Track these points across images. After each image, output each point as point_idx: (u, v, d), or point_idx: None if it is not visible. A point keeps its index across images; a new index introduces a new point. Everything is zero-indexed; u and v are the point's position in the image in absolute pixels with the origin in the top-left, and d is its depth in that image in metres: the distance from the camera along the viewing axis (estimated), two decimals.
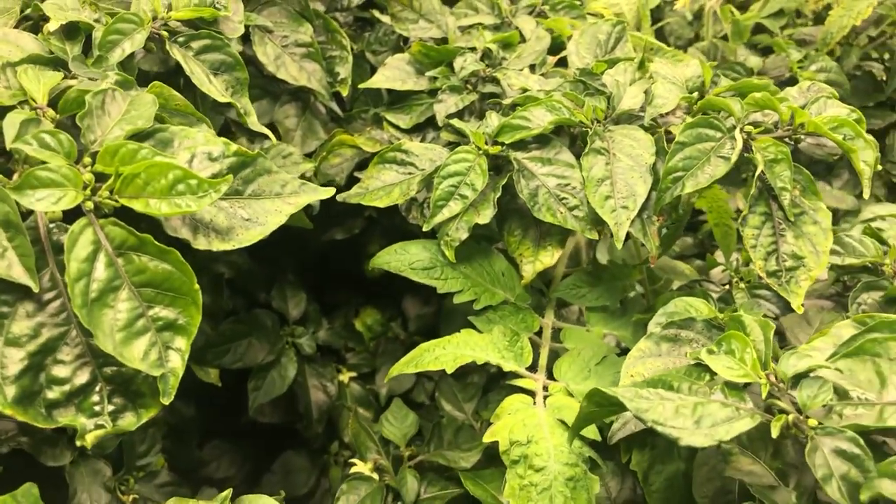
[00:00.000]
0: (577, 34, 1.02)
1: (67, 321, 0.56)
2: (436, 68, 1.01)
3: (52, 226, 0.57)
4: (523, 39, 1.08)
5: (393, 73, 1.03)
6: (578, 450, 0.69)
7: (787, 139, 0.80)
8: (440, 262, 0.86)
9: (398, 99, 1.05)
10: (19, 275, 0.53)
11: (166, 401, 0.55)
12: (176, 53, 0.78)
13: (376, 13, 1.19)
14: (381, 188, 0.89)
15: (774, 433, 0.57)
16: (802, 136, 0.80)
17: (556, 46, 1.08)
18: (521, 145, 0.84)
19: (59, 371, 0.56)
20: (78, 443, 0.55)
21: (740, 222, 0.77)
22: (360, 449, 0.93)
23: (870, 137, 0.77)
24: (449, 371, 0.74)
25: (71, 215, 0.57)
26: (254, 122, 0.85)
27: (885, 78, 1.46)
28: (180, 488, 0.95)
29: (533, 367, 0.80)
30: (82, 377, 0.56)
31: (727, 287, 0.99)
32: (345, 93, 1.03)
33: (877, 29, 1.46)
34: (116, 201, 0.56)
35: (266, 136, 0.89)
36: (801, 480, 0.63)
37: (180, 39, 0.80)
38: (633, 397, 0.59)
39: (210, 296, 1.01)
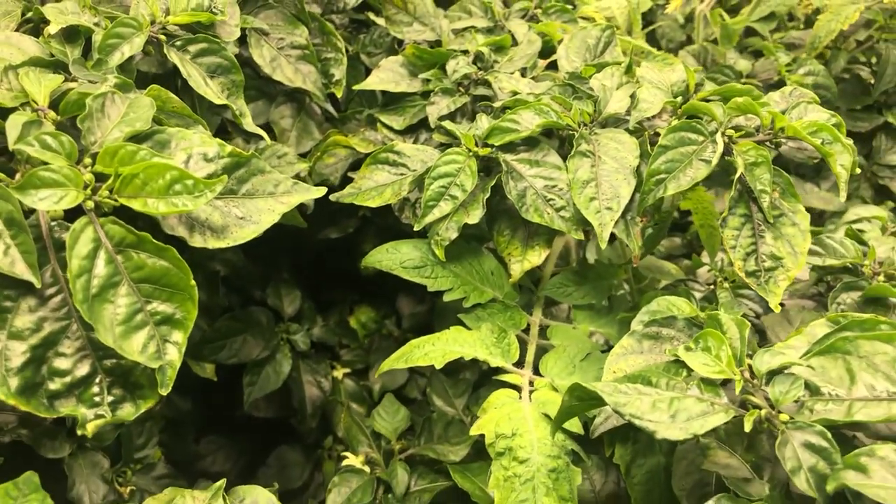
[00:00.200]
0: (568, 38, 1.04)
1: (68, 315, 0.59)
2: (429, 71, 1.03)
3: (53, 224, 0.59)
4: (515, 43, 1.10)
5: (387, 75, 1.05)
6: (561, 443, 0.71)
7: (767, 143, 0.82)
8: (430, 260, 0.88)
9: (392, 100, 1.07)
10: (22, 271, 0.55)
11: (164, 391, 0.57)
12: (174, 57, 0.80)
13: (371, 15, 1.21)
14: (374, 188, 0.91)
15: (747, 427, 0.60)
16: (783, 140, 0.82)
17: (547, 50, 1.10)
18: (510, 147, 0.86)
19: (61, 363, 0.58)
20: (79, 431, 0.57)
21: (720, 223, 0.79)
22: (351, 443, 0.95)
23: (847, 142, 0.80)
24: (438, 366, 0.76)
25: (71, 214, 0.59)
26: (249, 124, 0.87)
27: (872, 81, 1.48)
28: (177, 480, 0.97)
29: (520, 363, 0.83)
30: (83, 369, 0.59)
31: (712, 287, 1.01)
32: (339, 94, 1.05)
33: (865, 33, 1.49)
34: (116, 201, 0.58)
35: (261, 137, 0.91)
36: (774, 473, 0.65)
37: (178, 43, 0.82)
38: (611, 392, 0.61)
39: (206, 293, 1.03)
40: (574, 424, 0.73)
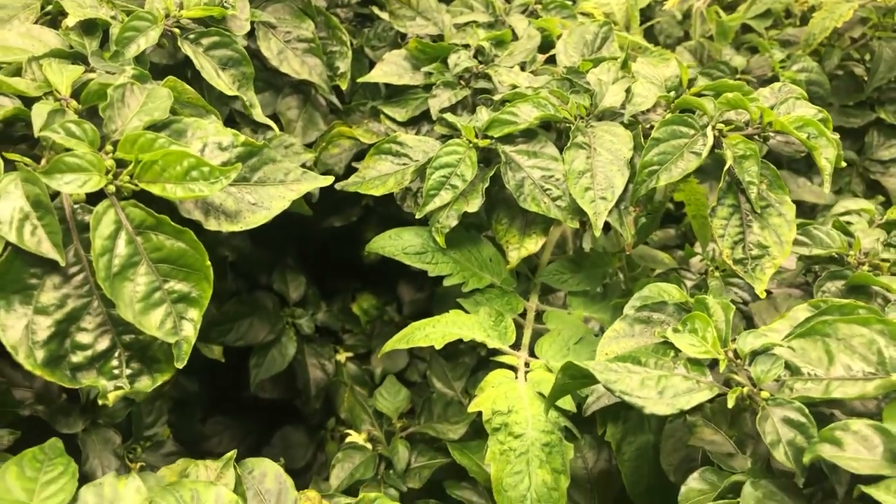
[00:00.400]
0: (566, 34, 1.07)
1: (90, 293, 0.62)
2: (431, 64, 1.06)
3: (76, 207, 0.63)
4: (515, 38, 1.13)
5: (390, 69, 1.08)
6: (555, 419, 0.75)
7: (756, 137, 0.86)
8: (431, 247, 0.92)
9: (395, 93, 1.10)
10: (48, 250, 0.59)
11: (180, 365, 0.61)
12: (187, 49, 0.83)
13: (375, 10, 1.24)
14: (377, 177, 0.95)
15: (730, 403, 0.63)
16: (771, 134, 0.86)
17: (547, 45, 1.14)
18: (508, 139, 0.90)
19: (83, 338, 0.62)
20: (100, 401, 0.60)
21: (709, 213, 0.82)
22: (354, 421, 0.99)
23: (833, 136, 0.83)
24: (438, 346, 0.80)
25: (93, 198, 0.63)
26: (258, 114, 0.90)
27: (866, 78, 1.51)
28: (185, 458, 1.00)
29: (516, 346, 0.86)
30: (103, 344, 0.62)
31: (704, 276, 1.04)
32: (344, 86, 1.08)
33: (859, 30, 1.52)
34: (136, 185, 0.62)
35: (269, 127, 0.94)
36: (756, 449, 0.69)
37: (191, 36, 0.85)
38: (602, 370, 0.64)
39: (214, 277, 1.06)
40: (567, 402, 0.76)
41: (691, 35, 1.58)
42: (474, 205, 0.89)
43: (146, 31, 0.80)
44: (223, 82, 0.84)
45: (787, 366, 0.64)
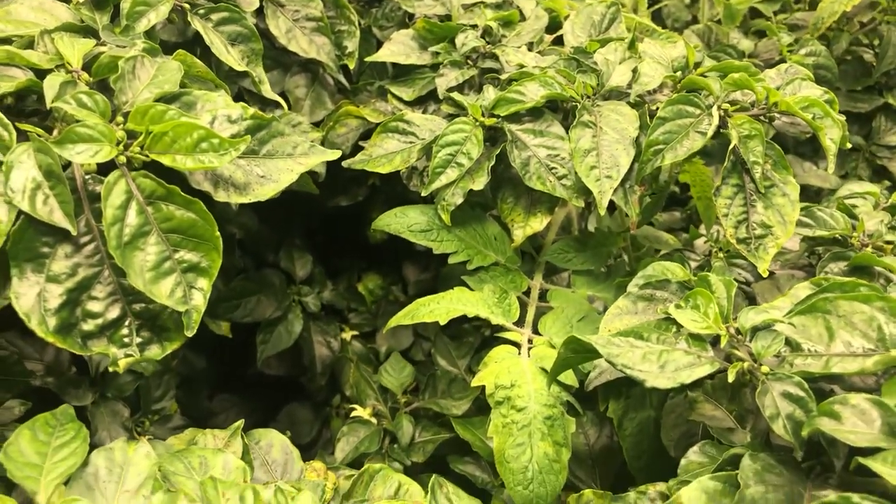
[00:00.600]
0: (574, 14, 1.08)
1: (100, 262, 0.63)
2: (438, 44, 1.06)
3: (87, 177, 0.64)
4: (523, 18, 1.13)
5: (398, 48, 1.08)
6: (557, 394, 0.76)
7: (761, 117, 0.86)
8: (436, 225, 0.92)
9: (402, 72, 1.10)
10: (60, 219, 0.60)
11: (190, 333, 0.62)
12: (197, 24, 0.84)
13: None
14: (384, 156, 0.95)
15: (731, 378, 0.64)
16: (776, 115, 0.86)
17: (554, 25, 1.14)
18: (515, 118, 0.90)
19: (94, 306, 0.63)
20: (111, 369, 0.62)
21: (713, 192, 0.83)
22: (360, 396, 1.00)
23: (838, 117, 0.83)
24: (442, 322, 0.81)
25: (104, 168, 0.64)
26: (267, 90, 0.91)
27: (874, 63, 1.51)
28: None
29: (520, 323, 0.87)
30: (114, 312, 0.63)
31: (708, 257, 1.05)
32: (352, 66, 1.09)
33: (868, 15, 1.51)
34: (147, 156, 0.63)
35: (278, 105, 0.95)
36: (756, 424, 0.70)
37: (201, 12, 0.86)
38: (605, 344, 0.65)
39: (223, 252, 1.07)
40: (569, 378, 0.77)
41: (699, 18, 1.58)
42: (480, 183, 0.89)
43: (156, 5, 0.80)
44: (233, 58, 0.85)
45: (788, 342, 0.65)
